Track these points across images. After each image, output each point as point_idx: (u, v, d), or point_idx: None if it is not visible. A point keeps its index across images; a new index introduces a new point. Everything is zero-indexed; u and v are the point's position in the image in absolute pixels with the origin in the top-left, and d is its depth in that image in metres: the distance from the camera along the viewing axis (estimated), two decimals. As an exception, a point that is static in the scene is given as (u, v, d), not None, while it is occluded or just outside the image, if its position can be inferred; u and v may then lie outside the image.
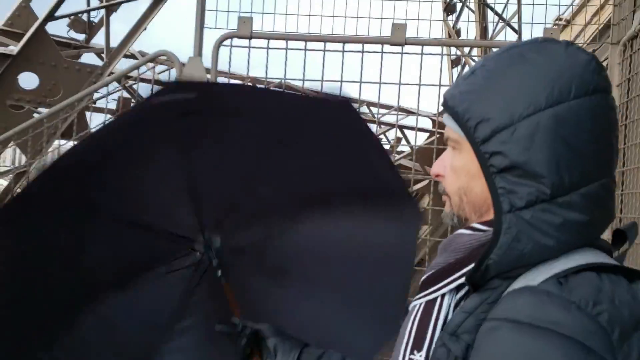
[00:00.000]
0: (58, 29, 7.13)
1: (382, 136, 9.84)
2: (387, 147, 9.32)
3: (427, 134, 9.78)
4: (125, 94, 6.94)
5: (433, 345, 0.95)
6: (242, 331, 1.45)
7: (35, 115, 7.03)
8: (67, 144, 6.70)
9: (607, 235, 1.04)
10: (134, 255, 1.51)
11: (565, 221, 0.90)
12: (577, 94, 0.90)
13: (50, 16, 6.46)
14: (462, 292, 0.97)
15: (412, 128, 9.94)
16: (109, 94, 5.11)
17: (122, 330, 1.55)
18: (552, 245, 0.90)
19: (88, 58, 7.72)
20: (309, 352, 1.40)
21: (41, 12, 6.74)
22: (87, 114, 5.98)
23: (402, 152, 10.11)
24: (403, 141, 9.94)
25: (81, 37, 7.59)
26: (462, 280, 0.96)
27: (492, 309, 0.88)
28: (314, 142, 1.40)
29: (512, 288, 0.89)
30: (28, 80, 6.83)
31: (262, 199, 1.54)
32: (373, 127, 9.40)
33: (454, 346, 0.91)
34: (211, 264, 1.53)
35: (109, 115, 4.73)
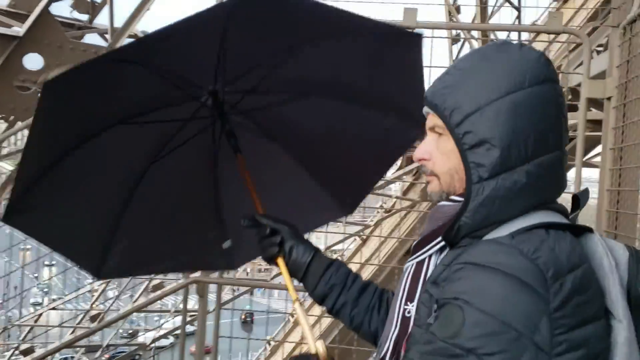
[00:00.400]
0: (61, 9, 7.16)
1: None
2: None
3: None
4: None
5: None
6: (265, 230, 1.58)
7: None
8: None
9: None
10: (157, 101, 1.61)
11: (523, 187, 1.11)
12: (530, 83, 1.12)
13: (55, -3, 6.50)
14: (445, 252, 1.18)
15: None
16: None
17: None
18: (512, 208, 1.11)
19: (91, 39, 7.77)
20: (319, 258, 1.56)
21: (45, -7, 6.77)
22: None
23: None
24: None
25: (84, 17, 7.63)
26: (444, 242, 1.18)
27: (460, 256, 1.10)
28: (358, 48, 1.56)
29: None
30: (33, 61, 6.89)
31: (285, 76, 1.64)
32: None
33: (434, 291, 1.12)
34: (223, 120, 1.66)
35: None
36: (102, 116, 1.53)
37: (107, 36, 7.01)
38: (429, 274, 1.19)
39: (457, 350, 1.00)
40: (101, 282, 10.64)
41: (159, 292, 3.65)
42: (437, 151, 1.20)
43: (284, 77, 1.64)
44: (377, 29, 1.54)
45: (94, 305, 9.50)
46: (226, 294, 10.32)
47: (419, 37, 1.59)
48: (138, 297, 8.50)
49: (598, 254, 1.14)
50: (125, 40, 7.23)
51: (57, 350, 6.75)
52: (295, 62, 1.59)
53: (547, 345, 0.99)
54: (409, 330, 1.17)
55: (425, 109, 1.21)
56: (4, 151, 6.95)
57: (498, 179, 1.11)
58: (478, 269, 1.04)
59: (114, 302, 8.81)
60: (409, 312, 1.21)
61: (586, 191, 1.28)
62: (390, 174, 10.21)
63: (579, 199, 1.25)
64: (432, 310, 1.09)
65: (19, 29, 6.56)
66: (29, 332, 8.98)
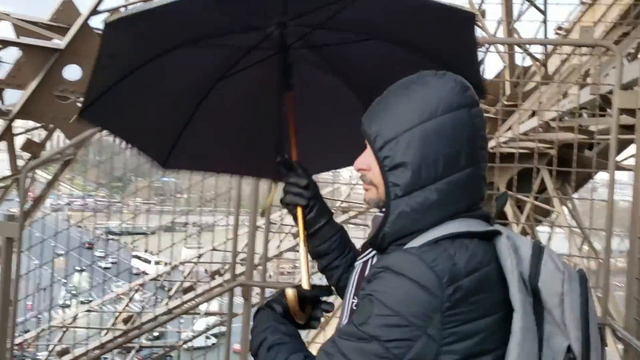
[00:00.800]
0: (99, 22, 7.39)
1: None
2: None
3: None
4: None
5: None
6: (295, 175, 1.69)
7: (79, 105, 7.36)
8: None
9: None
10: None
11: (434, 202, 1.31)
12: (443, 111, 1.31)
13: (94, 10, 6.73)
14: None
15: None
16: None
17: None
18: (425, 220, 1.31)
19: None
20: (331, 222, 1.72)
21: (82, 7, 7.03)
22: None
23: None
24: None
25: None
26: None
27: (380, 261, 1.30)
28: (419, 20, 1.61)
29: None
30: (72, 72, 7.13)
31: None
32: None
33: (365, 287, 1.30)
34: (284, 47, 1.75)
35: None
36: (171, 38, 1.66)
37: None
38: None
39: (364, 335, 1.22)
40: (130, 287, 10.82)
41: (204, 295, 3.80)
42: (375, 164, 1.37)
43: (349, 18, 1.68)
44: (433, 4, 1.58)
45: (125, 308, 9.72)
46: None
47: (472, 16, 1.66)
48: (169, 300, 8.66)
49: (503, 254, 1.29)
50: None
51: (95, 350, 6.95)
52: (359, 7, 1.62)
53: (438, 336, 1.20)
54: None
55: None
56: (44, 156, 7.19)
57: (411, 197, 1.31)
58: (390, 272, 1.24)
59: (149, 303, 8.94)
60: (355, 305, 1.43)
61: (504, 194, 1.49)
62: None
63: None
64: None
65: (59, 42, 6.80)
66: (64, 334, 9.19)
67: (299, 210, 1.68)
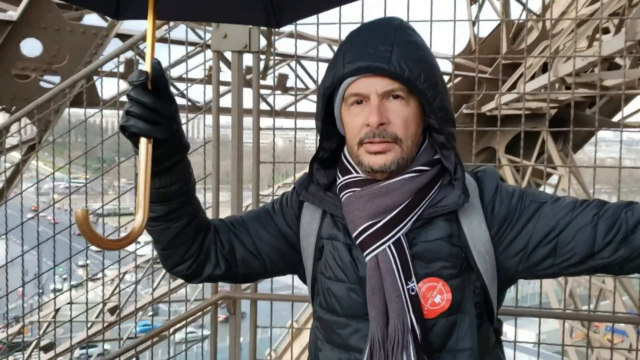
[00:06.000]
0: (57, -10, 6.71)
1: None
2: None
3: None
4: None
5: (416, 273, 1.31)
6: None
7: (42, 84, 6.72)
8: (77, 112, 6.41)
9: None
10: None
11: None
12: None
13: (49, -23, 6.06)
14: (410, 225, 1.32)
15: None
16: (118, 58, 4.76)
17: None
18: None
19: (90, 19, 7.34)
20: (186, 157, 1.35)
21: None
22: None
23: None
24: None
25: (82, -4, 7.18)
26: (420, 211, 1.33)
27: (476, 198, 1.37)
28: None
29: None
30: (31, 47, 6.49)
31: None
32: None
33: (456, 242, 1.34)
34: None
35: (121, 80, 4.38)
36: None
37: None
38: (414, 248, 1.30)
39: (555, 196, 1.39)
40: (115, 276, 10.37)
41: (182, 314, 3.13)
42: (399, 116, 1.29)
43: None
44: None
45: (113, 293, 9.26)
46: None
47: None
48: (156, 287, 8.19)
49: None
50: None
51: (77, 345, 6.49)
52: None
53: None
54: (422, 306, 1.29)
55: (377, 78, 1.27)
56: (15, 141, 6.59)
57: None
58: (503, 184, 1.39)
59: (130, 296, 8.47)
60: (413, 290, 1.29)
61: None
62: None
63: None
64: (464, 258, 1.33)
65: (13, 13, 6.14)
66: (47, 327, 8.73)
67: (148, 142, 1.18)
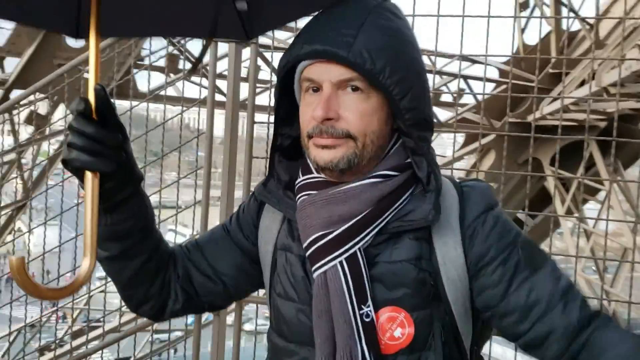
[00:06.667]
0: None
1: (443, 87, 9.27)
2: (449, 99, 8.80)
3: (493, 85, 9.18)
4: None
5: (371, 294, 1.11)
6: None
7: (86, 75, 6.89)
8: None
9: None
10: None
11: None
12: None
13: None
14: (370, 239, 1.13)
15: (477, 78, 9.33)
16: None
17: None
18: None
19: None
20: (142, 191, 1.22)
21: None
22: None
23: (465, 104, 9.54)
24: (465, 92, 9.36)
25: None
26: (384, 223, 1.13)
27: (453, 216, 1.16)
28: None
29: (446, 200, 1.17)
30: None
31: None
32: (431, 78, 8.86)
33: (424, 266, 1.14)
34: None
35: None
36: None
37: None
38: (375, 268, 1.12)
39: (555, 265, 1.16)
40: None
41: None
42: (354, 110, 1.11)
43: None
44: None
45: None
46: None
47: None
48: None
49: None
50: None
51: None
52: None
53: None
54: (380, 339, 1.11)
55: (333, 65, 1.10)
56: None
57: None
58: (498, 213, 1.17)
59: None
60: (367, 316, 1.10)
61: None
62: (449, 152, 9.62)
63: None
64: (433, 287, 1.13)
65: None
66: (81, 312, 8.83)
67: (94, 175, 1.09)
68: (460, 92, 9.02)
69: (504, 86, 8.62)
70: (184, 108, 3.75)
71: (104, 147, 1.07)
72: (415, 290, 1.12)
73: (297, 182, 1.22)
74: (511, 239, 1.15)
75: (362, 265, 1.11)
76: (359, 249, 1.12)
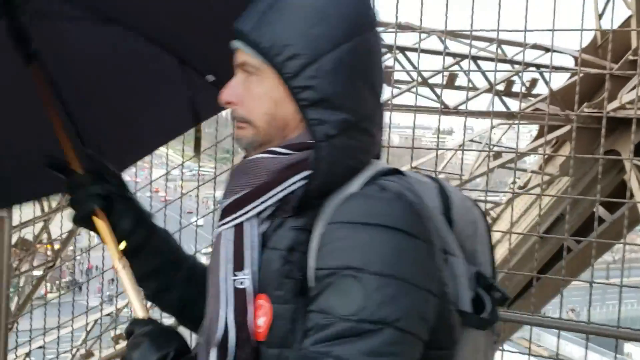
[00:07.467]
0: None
1: (515, 77, 8.96)
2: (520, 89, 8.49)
3: (567, 74, 8.78)
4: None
5: (254, 264, 1.06)
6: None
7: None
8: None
9: None
10: None
11: (363, 144, 1.08)
12: (366, 28, 1.08)
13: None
14: (267, 212, 1.08)
15: (549, 67, 8.95)
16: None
17: None
18: (357, 164, 1.08)
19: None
20: (158, 229, 1.36)
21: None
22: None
23: (538, 94, 9.18)
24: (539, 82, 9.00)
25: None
26: (270, 202, 1.07)
27: (328, 216, 1.02)
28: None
29: (333, 201, 1.05)
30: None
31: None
32: (502, 67, 8.55)
33: (295, 258, 1.03)
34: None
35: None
36: None
37: None
38: (255, 239, 1.07)
39: (368, 326, 0.94)
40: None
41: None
42: (248, 94, 1.10)
43: None
44: None
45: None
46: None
47: None
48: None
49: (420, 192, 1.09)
50: None
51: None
52: None
53: (439, 290, 1.02)
54: (247, 304, 1.05)
55: (238, 43, 1.10)
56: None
57: (342, 137, 1.06)
58: (358, 227, 0.99)
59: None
60: (241, 283, 1.06)
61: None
62: (524, 145, 9.29)
63: None
64: (299, 281, 1.03)
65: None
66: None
67: (101, 222, 1.30)
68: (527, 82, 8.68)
69: (576, 77, 8.24)
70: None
71: (85, 195, 1.30)
72: (278, 282, 1.04)
73: None
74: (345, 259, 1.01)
75: (245, 237, 1.07)
76: (249, 221, 1.08)
